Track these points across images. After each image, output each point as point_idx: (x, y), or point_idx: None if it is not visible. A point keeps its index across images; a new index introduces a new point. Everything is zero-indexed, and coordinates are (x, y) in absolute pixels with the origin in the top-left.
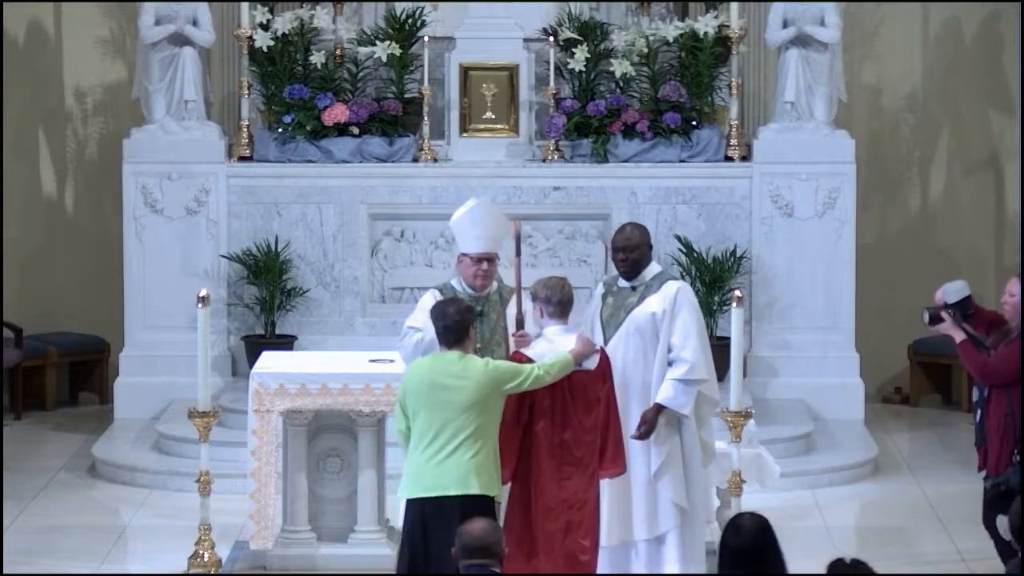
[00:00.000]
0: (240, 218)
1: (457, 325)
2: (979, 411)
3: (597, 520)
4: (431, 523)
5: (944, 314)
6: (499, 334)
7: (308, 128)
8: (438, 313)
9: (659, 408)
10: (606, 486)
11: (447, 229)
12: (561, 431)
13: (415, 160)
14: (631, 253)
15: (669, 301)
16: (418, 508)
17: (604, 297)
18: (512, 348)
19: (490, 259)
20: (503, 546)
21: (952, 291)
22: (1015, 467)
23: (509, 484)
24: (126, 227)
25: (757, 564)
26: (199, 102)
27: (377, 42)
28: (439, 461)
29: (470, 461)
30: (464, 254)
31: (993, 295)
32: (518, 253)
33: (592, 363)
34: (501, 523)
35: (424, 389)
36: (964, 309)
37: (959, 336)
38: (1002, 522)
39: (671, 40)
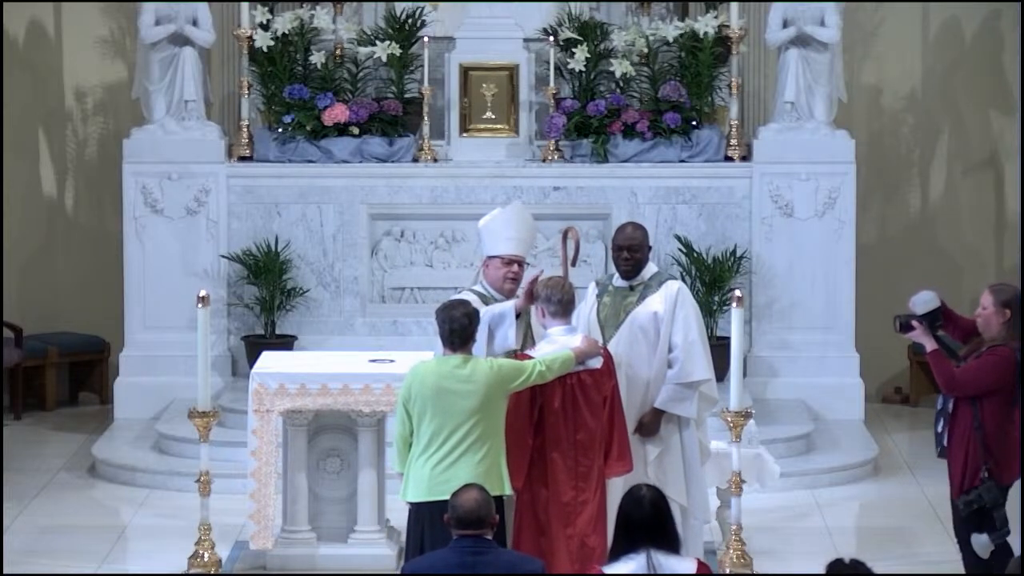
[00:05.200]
0: (240, 218)
1: (463, 328)
2: (941, 420)
3: (606, 518)
4: (440, 525)
5: (915, 322)
6: (529, 340)
7: (308, 128)
8: (444, 316)
9: (657, 412)
10: (609, 486)
11: (447, 229)
12: (573, 432)
13: (415, 160)
14: (635, 253)
15: (671, 300)
16: (427, 511)
17: (599, 297)
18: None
19: (520, 262)
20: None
21: (920, 303)
22: (986, 483)
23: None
24: (126, 227)
25: (657, 533)
26: (199, 102)
27: (377, 42)
28: (448, 464)
29: (480, 463)
30: (493, 256)
31: None
32: (574, 263)
33: (597, 362)
34: (509, 523)
35: (430, 393)
36: (933, 320)
37: (930, 345)
38: (978, 540)
39: (671, 40)
